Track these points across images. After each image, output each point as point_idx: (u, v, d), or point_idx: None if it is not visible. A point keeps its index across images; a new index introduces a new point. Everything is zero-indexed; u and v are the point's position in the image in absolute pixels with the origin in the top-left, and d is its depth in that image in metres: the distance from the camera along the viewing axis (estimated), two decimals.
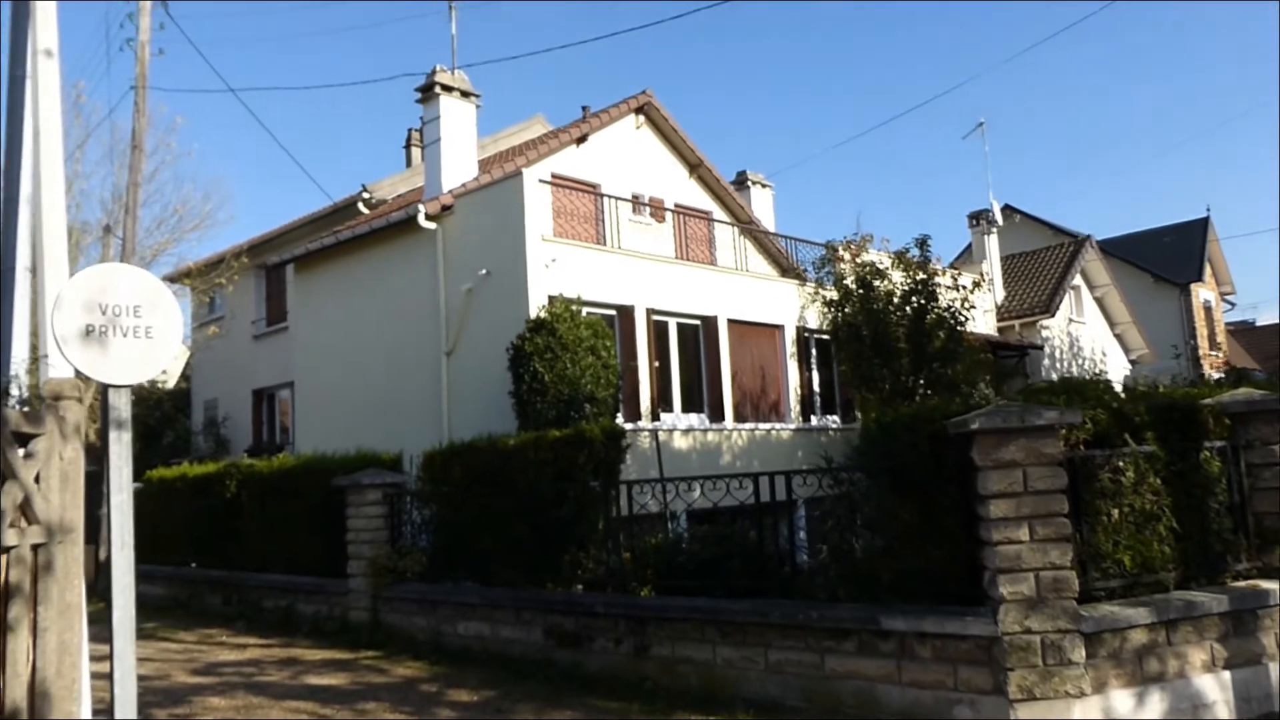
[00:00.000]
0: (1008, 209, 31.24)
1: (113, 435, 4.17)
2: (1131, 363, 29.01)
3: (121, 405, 4.16)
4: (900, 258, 13.89)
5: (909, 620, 6.13)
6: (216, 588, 13.27)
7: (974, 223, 26.10)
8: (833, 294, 14.84)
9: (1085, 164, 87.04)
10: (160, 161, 21.72)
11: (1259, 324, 45.14)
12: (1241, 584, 6.49)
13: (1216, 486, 6.60)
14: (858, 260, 14.48)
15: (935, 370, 13.15)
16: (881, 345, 13.21)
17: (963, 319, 13.64)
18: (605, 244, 15.54)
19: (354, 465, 11.39)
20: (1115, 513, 6.17)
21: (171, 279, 23.72)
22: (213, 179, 43.94)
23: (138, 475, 15.78)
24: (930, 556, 6.32)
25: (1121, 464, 6.26)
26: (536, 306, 13.46)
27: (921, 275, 13.59)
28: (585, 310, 13.36)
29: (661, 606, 7.63)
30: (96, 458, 20.23)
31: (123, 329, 4.00)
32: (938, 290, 13.59)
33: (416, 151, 25.23)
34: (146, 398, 24.62)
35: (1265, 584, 6.46)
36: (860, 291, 13.71)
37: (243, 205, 63.67)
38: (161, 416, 25.39)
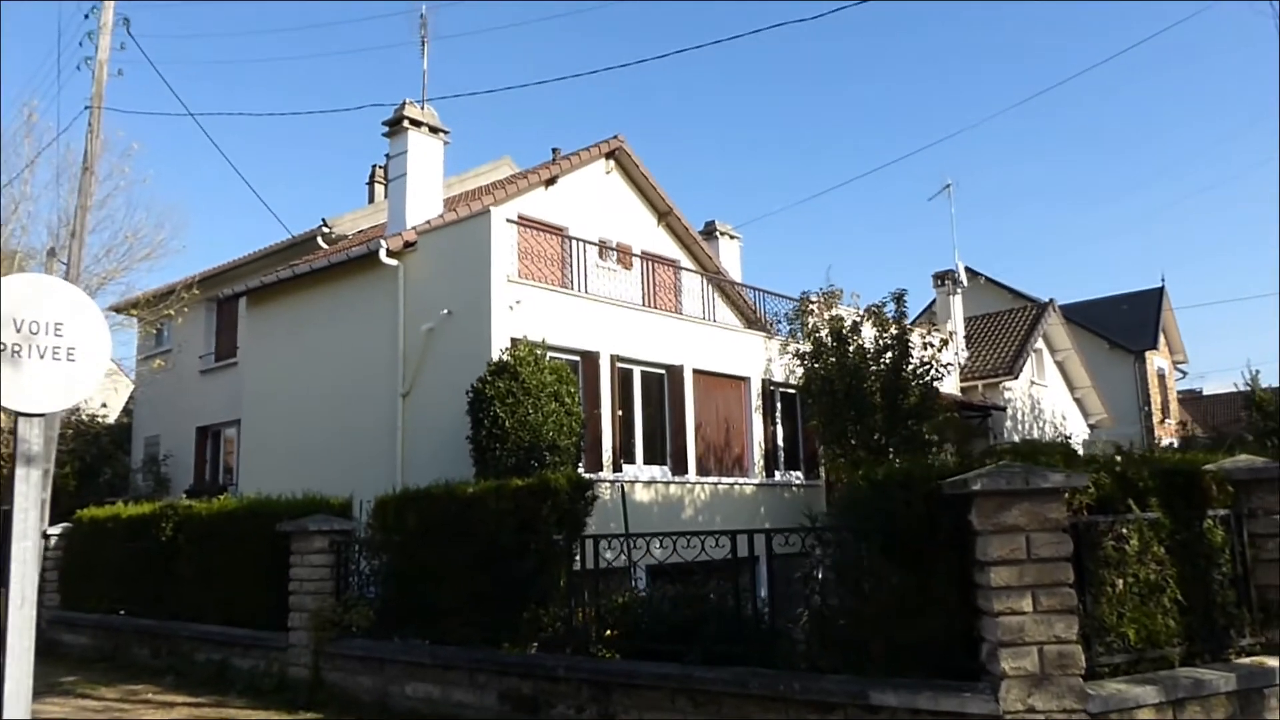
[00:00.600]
0: (968, 270, 31.48)
1: (20, 473, 3.62)
2: (1090, 427, 29.10)
3: (32, 438, 3.62)
4: (875, 313, 13.66)
5: (901, 695, 5.68)
6: (146, 638, 12.42)
7: (939, 282, 26.14)
8: (804, 346, 14.54)
9: (1045, 230, 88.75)
10: (114, 187, 20.97)
11: (1205, 393, 45.81)
12: (1246, 660, 6.14)
13: (1220, 557, 6.28)
14: (830, 313, 14.21)
15: (910, 428, 12.84)
16: (856, 400, 12.89)
17: (938, 375, 13.39)
18: (571, 287, 15.13)
19: (300, 510, 10.75)
20: (1120, 583, 5.81)
21: (118, 309, 22.85)
22: (167, 207, 42.76)
23: (70, 515, 14.96)
24: (924, 626, 5.89)
25: (1125, 531, 5.91)
26: (499, 349, 12.99)
27: (895, 330, 13.34)
28: (549, 354, 12.92)
29: (629, 672, 7.10)
30: (4, 495, 19.24)
31: (40, 349, 3.47)
32: (911, 347, 13.36)
33: (380, 188, 24.77)
34: (84, 432, 23.57)
35: (1269, 661, 6.12)
36: (834, 344, 13.41)
37: (198, 236, 62.69)
38: (98, 453, 24.30)
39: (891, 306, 13.71)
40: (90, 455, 23.97)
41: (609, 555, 8.16)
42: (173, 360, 23.17)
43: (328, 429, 15.64)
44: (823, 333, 13.90)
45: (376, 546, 9.84)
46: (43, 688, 10.94)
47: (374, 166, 25.74)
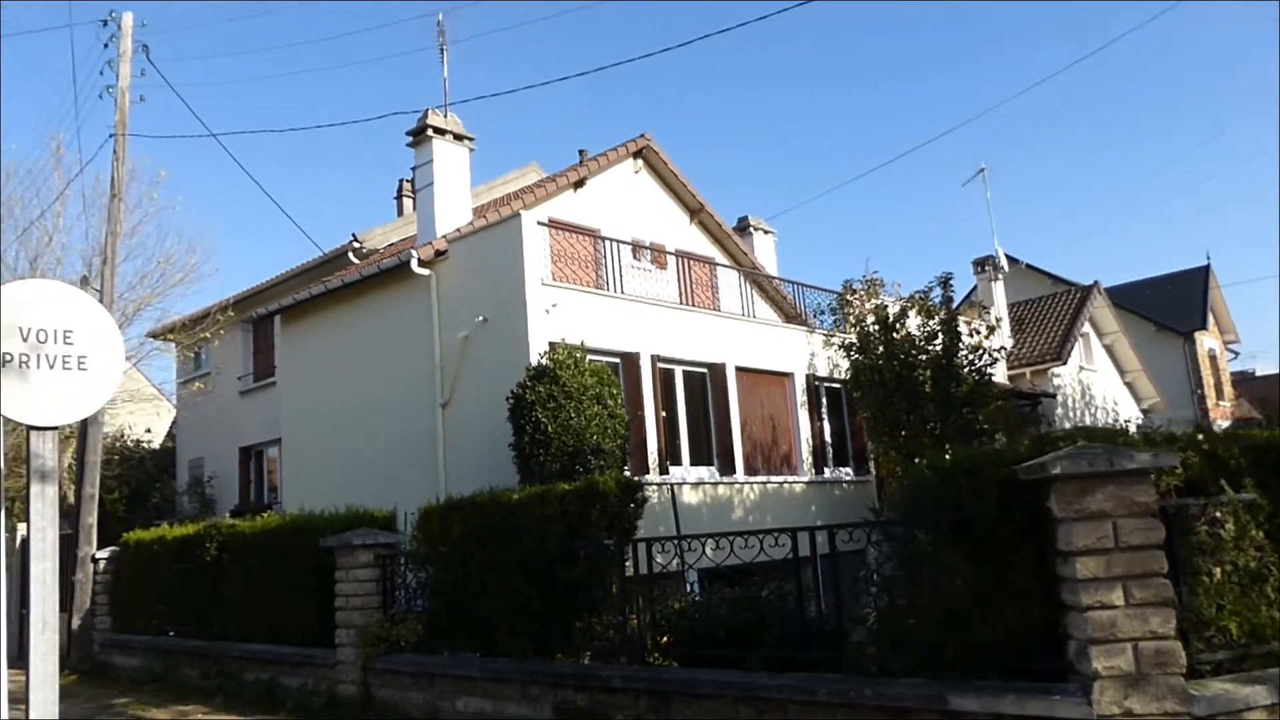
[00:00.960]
0: (1005, 257, 30.83)
1: (34, 489, 3.39)
2: (1144, 412, 28.33)
3: (46, 453, 3.38)
4: (922, 299, 13.20)
5: (983, 699, 5.31)
6: (195, 659, 12.31)
7: (979, 269, 25.58)
8: (849, 337, 14.13)
9: (1081, 211, 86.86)
10: (144, 215, 21.12)
11: (1259, 373, 44.54)
12: None
13: None
14: (875, 302, 13.79)
15: (965, 416, 12.39)
16: (907, 390, 12.46)
17: (992, 359, 12.93)
18: (607, 289, 14.85)
19: (344, 524, 10.57)
20: (1217, 572, 5.40)
21: (155, 335, 22.99)
22: (197, 232, 43.01)
23: (119, 539, 14.92)
24: (1000, 622, 5.52)
25: (1220, 514, 5.50)
26: (537, 353, 12.74)
27: (943, 315, 12.88)
28: (589, 357, 12.65)
29: (689, 680, 6.78)
30: (73, 518, 19.30)
31: (49, 358, 3.23)
32: (960, 333, 12.90)
33: (408, 202, 24.70)
34: (129, 457, 23.69)
35: None
36: (881, 334, 12.97)
37: (230, 259, 63.22)
38: (145, 477, 24.39)
39: (937, 292, 13.27)
40: (136, 480, 24.06)
41: (660, 559, 7.85)
42: (212, 383, 23.23)
43: (368, 443, 15.49)
44: (868, 322, 13.46)
45: (422, 559, 9.62)
46: (95, 710, 10.87)
47: (401, 181, 25.69)
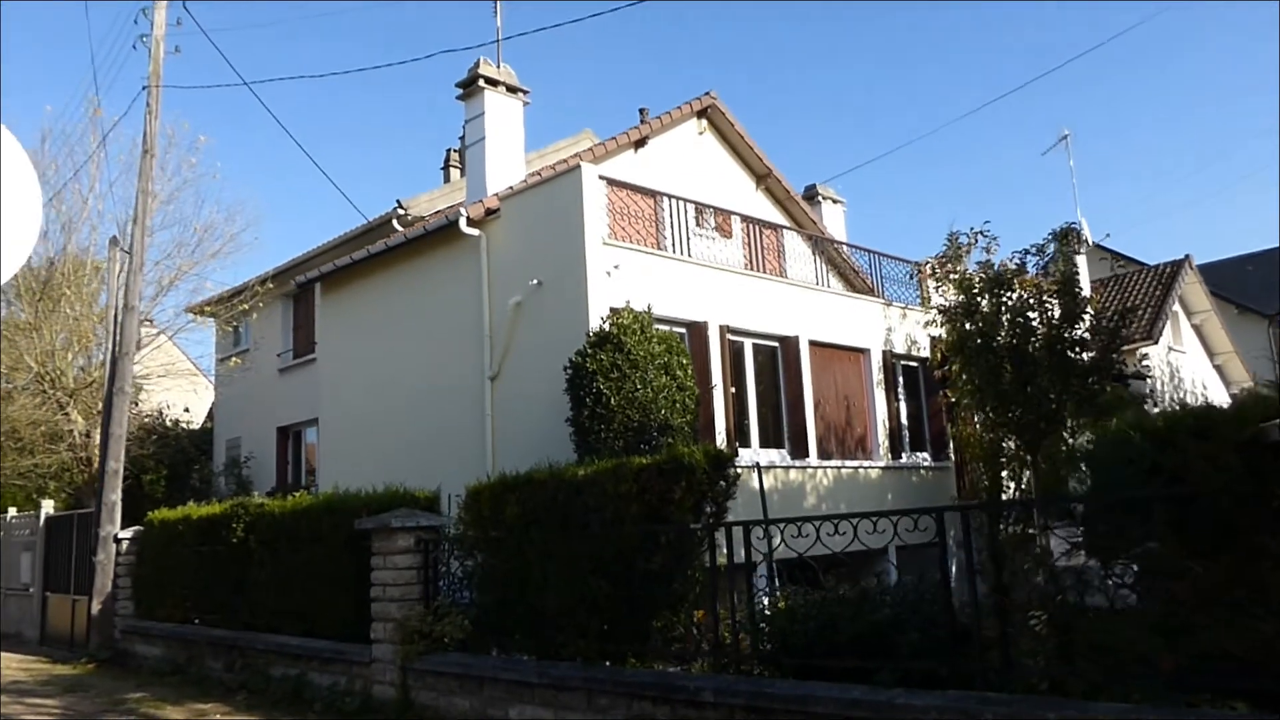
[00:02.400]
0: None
1: None
2: (1233, 397, 26.46)
3: None
4: (1039, 252, 11.59)
5: None
6: (219, 650, 11.19)
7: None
8: (945, 298, 12.59)
9: (1151, 190, 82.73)
10: (183, 181, 20.24)
11: None
12: None
13: None
14: (985, 258, 12.19)
15: (1090, 387, 10.85)
16: (1019, 358, 10.95)
17: (1119, 325, 11.37)
18: (671, 251, 13.50)
19: (382, 504, 9.37)
20: None
21: (194, 310, 22.09)
22: (238, 200, 42.02)
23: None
24: (1245, 629, 4.12)
25: None
26: (598, 319, 11.44)
27: (1061, 272, 11.28)
28: (654, 325, 11.34)
29: (802, 697, 5.43)
30: (83, 499, 18.36)
31: None
32: (1080, 292, 11.31)
33: (456, 173, 23.56)
34: (165, 435, 22.81)
35: None
36: (993, 293, 11.40)
37: (270, 233, 62.40)
38: (182, 457, 23.51)
39: (1053, 248, 11.65)
40: (173, 460, 23.21)
41: (759, 545, 6.51)
42: (251, 359, 22.31)
43: (411, 419, 14.32)
44: (975, 280, 11.88)
45: (470, 544, 8.36)
46: (106, 705, 9.81)
47: (449, 151, 24.55)
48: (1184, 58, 76.54)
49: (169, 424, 24.30)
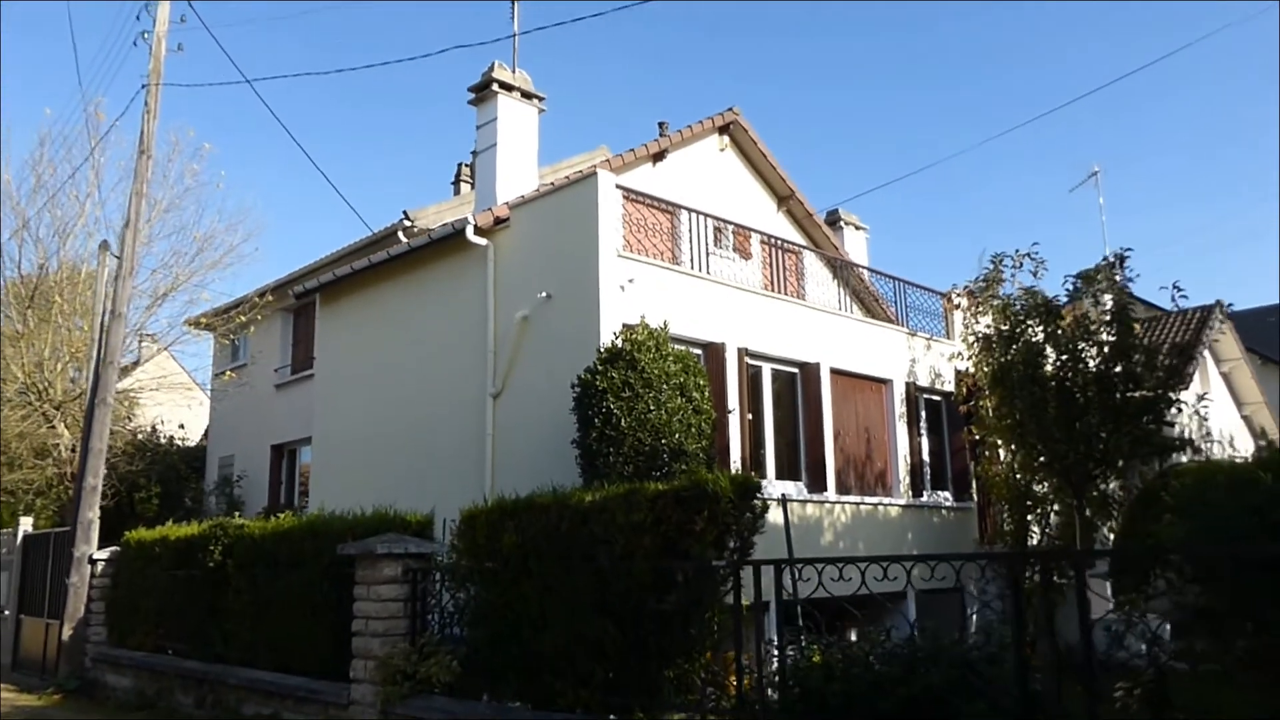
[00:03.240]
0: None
1: None
2: (1260, 448, 25.48)
3: None
4: (1088, 282, 10.77)
5: None
6: (190, 684, 10.33)
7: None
8: (985, 324, 11.76)
9: (1164, 232, 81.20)
10: (184, 189, 19.63)
11: None
12: None
13: None
14: (1028, 285, 11.35)
15: (1144, 427, 10.00)
16: (1065, 394, 10.11)
17: (1179, 363, 10.55)
18: (690, 267, 12.75)
19: (369, 528, 8.56)
20: None
21: (192, 323, 21.38)
22: (239, 209, 41.17)
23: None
24: None
25: None
26: (609, 335, 10.68)
27: (1114, 300, 10.45)
28: (670, 343, 10.57)
29: None
30: (68, 517, 17.49)
31: None
32: (1136, 323, 10.50)
33: (467, 187, 22.91)
34: (155, 451, 22.00)
35: None
36: (1042, 321, 10.55)
37: (272, 245, 61.76)
38: (174, 475, 22.67)
39: (1104, 274, 10.80)
40: (166, 478, 22.39)
41: (789, 585, 5.69)
42: (247, 374, 21.58)
43: (409, 438, 13.52)
44: (1015, 307, 11.04)
45: (463, 575, 7.54)
46: None
47: (460, 165, 23.90)
48: (1214, 89, 75.96)
49: (162, 440, 23.53)
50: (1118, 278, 10.26)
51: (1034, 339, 10.57)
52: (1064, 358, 10.23)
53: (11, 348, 18.37)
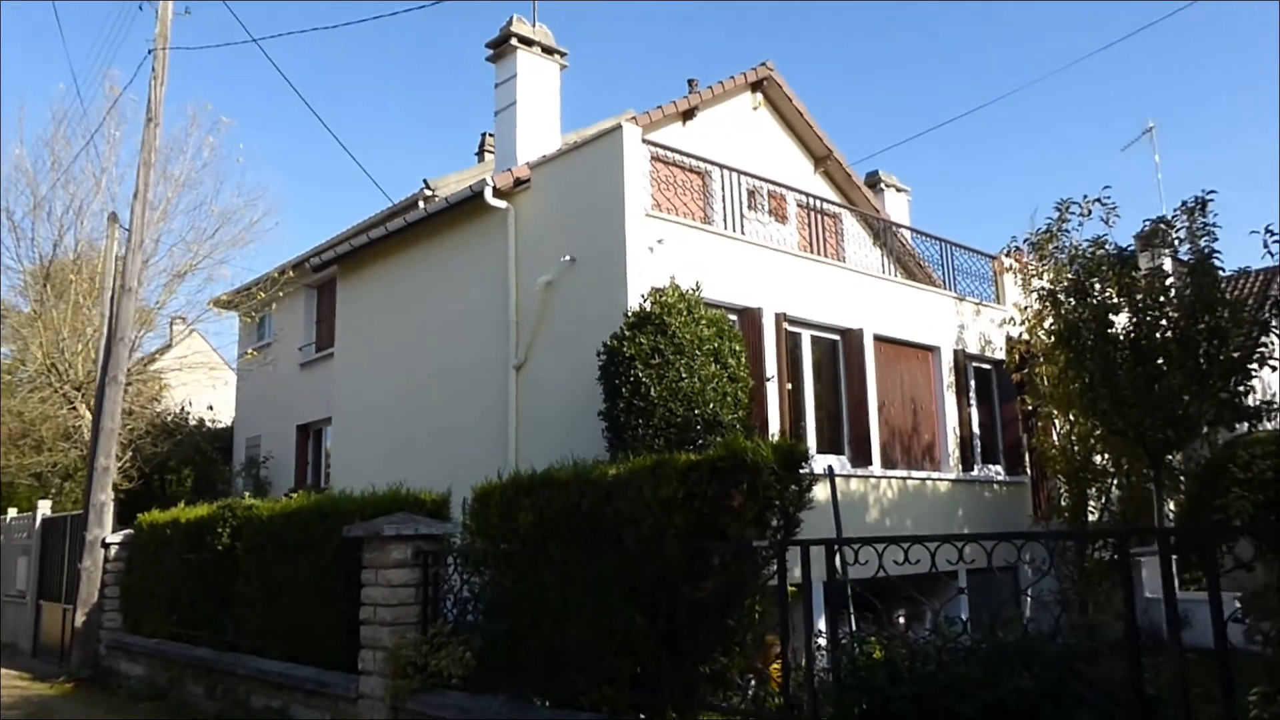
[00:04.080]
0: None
1: None
2: None
3: None
4: (1161, 230, 9.74)
5: None
6: (201, 673, 9.78)
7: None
8: (1045, 280, 10.82)
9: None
10: (202, 164, 19.08)
11: None
12: None
13: None
14: (1094, 241, 10.30)
15: (1232, 388, 9.06)
16: (1142, 353, 9.18)
17: (1271, 315, 9.57)
18: (724, 227, 11.96)
19: (381, 507, 7.92)
20: None
21: (216, 302, 20.91)
22: (259, 184, 40.34)
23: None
24: None
25: None
26: (637, 299, 9.93)
27: (1196, 251, 9.46)
28: (703, 306, 9.82)
29: None
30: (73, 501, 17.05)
31: None
32: (1222, 275, 9.50)
33: (491, 157, 22.21)
34: (177, 432, 21.59)
35: None
36: (1115, 273, 9.58)
37: (299, 222, 61.25)
38: (199, 456, 22.29)
39: (1182, 222, 9.80)
40: (196, 459, 22.02)
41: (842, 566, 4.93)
42: (272, 353, 21.12)
43: (430, 414, 12.90)
44: (1089, 256, 10.07)
45: (477, 558, 6.86)
46: None
47: (484, 135, 23.15)
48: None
49: (192, 421, 23.17)
50: (1199, 224, 9.29)
51: (1107, 293, 9.62)
52: (1143, 314, 9.26)
53: (28, 328, 17.98)
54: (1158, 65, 69.33)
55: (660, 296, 9.39)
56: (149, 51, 14.10)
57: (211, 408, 25.30)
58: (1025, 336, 13.91)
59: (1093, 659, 4.00)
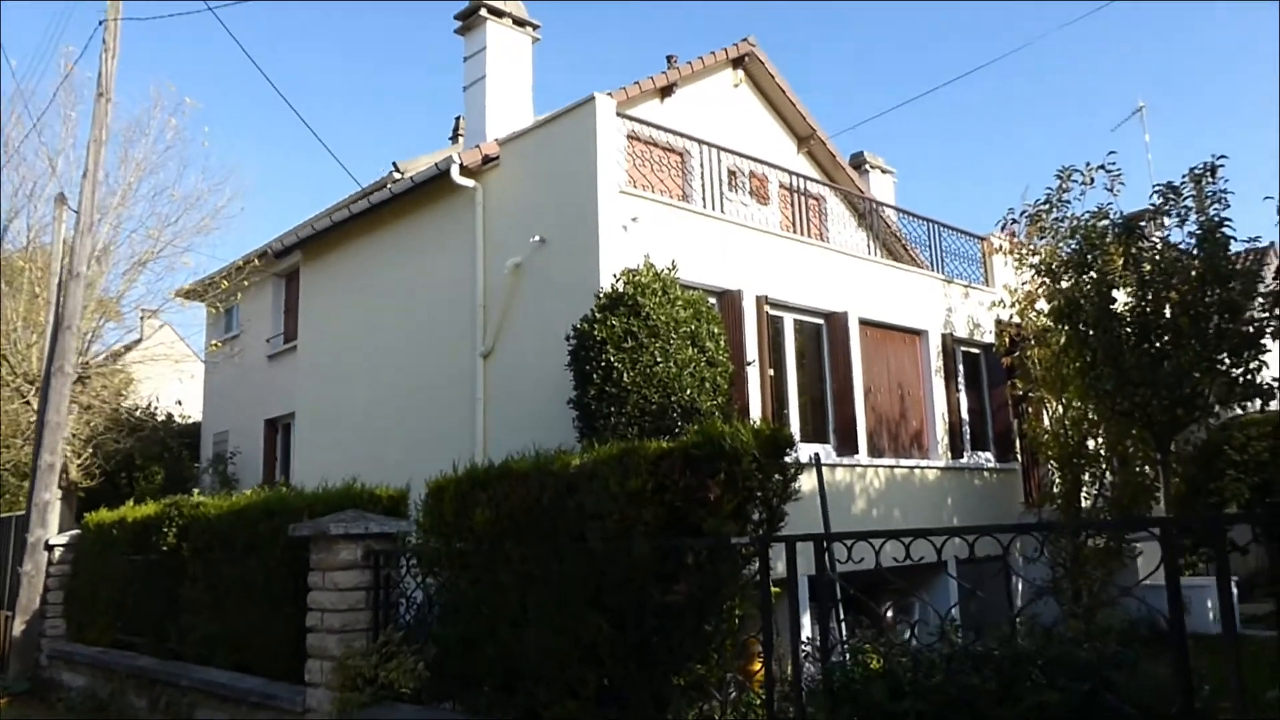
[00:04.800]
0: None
1: None
2: None
3: None
4: (1169, 196, 9.18)
5: None
6: (144, 684, 9.14)
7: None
8: (1040, 250, 10.29)
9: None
10: (165, 148, 18.30)
11: None
12: None
13: None
14: (1096, 211, 9.73)
15: (1246, 364, 8.54)
16: (1146, 328, 8.64)
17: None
18: (703, 206, 11.38)
19: (333, 504, 7.33)
20: None
21: (184, 293, 20.16)
22: (224, 168, 39.01)
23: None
24: None
25: None
26: (610, 280, 9.35)
27: (1205, 218, 8.88)
28: (679, 285, 9.24)
29: None
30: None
31: None
32: (1228, 243, 8.95)
33: (465, 141, 21.56)
34: (139, 426, 20.81)
35: None
36: (1120, 244, 9.01)
37: (270, 210, 59.76)
38: (166, 452, 21.53)
39: (1189, 189, 9.21)
40: (164, 455, 21.26)
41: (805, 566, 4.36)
42: (240, 345, 20.39)
43: (396, 406, 12.29)
44: (1090, 226, 9.48)
45: (431, 559, 6.26)
46: None
47: (457, 118, 22.49)
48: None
49: (160, 417, 22.39)
50: (1209, 191, 8.76)
51: (1111, 266, 9.07)
52: (1149, 287, 8.71)
53: None
54: (1149, 51, 68.80)
55: (634, 277, 8.80)
56: (100, 23, 13.38)
57: (180, 402, 24.53)
58: (1016, 319, 13.43)
59: (1125, 665, 3.45)
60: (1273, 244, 22.08)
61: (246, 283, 18.56)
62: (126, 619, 10.02)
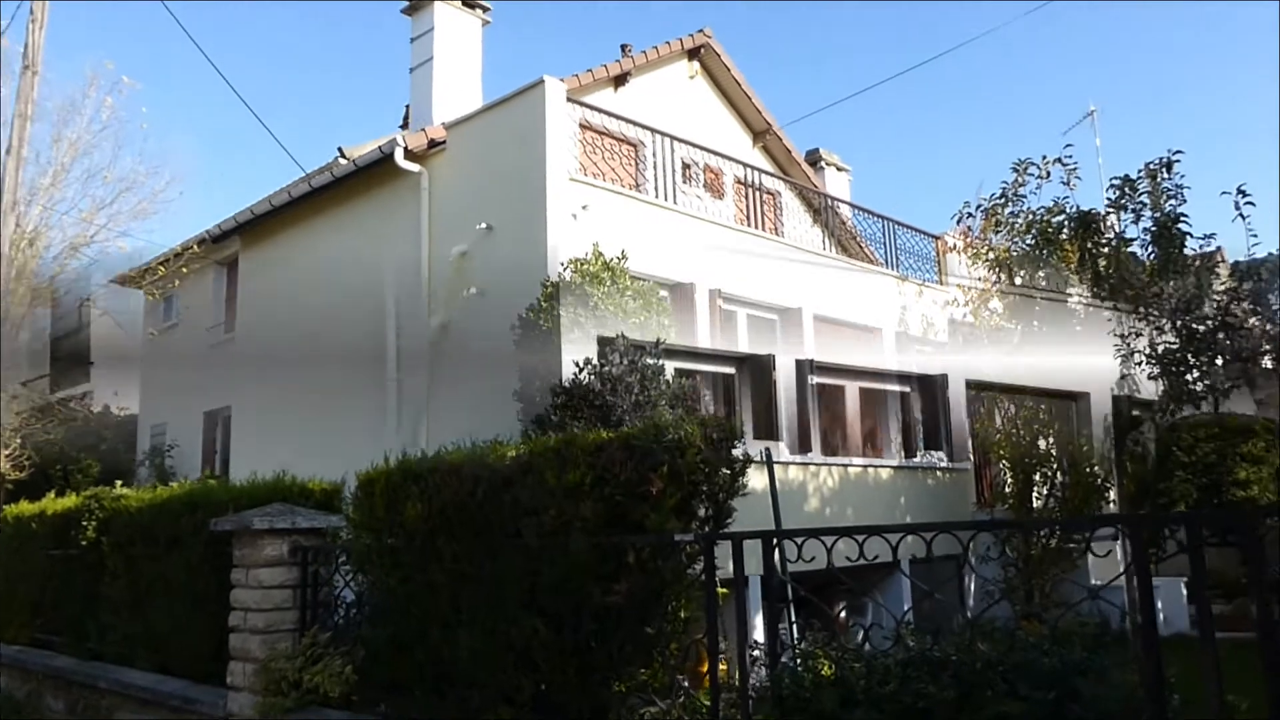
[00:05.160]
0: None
1: None
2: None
3: None
4: (1127, 186, 9.06)
5: None
6: (61, 687, 8.67)
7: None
8: (999, 240, 10.18)
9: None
10: (101, 128, 17.60)
11: None
12: None
13: None
14: (1052, 206, 9.58)
15: (1203, 362, 8.45)
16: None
17: (1262, 285, 8.96)
18: (656, 197, 11.12)
19: (260, 498, 6.94)
20: None
21: (122, 280, 19.46)
22: (162, 151, 37.89)
23: None
24: None
25: None
26: (558, 270, 9.05)
27: (1160, 213, 8.79)
28: (629, 276, 8.99)
29: None
30: None
31: None
32: (1184, 237, 8.84)
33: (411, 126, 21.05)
34: (70, 418, 20.05)
35: None
36: (1076, 237, 8.89)
37: (217, 198, 58.44)
38: (101, 444, 20.79)
39: (1145, 185, 9.10)
40: (102, 447, 20.51)
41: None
42: (179, 335, 19.70)
43: (337, 398, 11.87)
44: (1047, 220, 9.36)
45: (361, 555, 5.92)
46: None
47: (407, 107, 21.98)
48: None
49: (84, 406, 21.63)
50: (1165, 185, 8.68)
51: (1069, 259, 8.96)
52: (1104, 282, 8.61)
53: None
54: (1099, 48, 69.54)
55: (582, 266, 8.52)
56: None
57: (116, 393, 23.75)
58: (970, 319, 13.35)
59: (1091, 673, 3.24)
60: (1220, 248, 22.43)
61: (186, 270, 17.89)
62: (45, 617, 9.53)
